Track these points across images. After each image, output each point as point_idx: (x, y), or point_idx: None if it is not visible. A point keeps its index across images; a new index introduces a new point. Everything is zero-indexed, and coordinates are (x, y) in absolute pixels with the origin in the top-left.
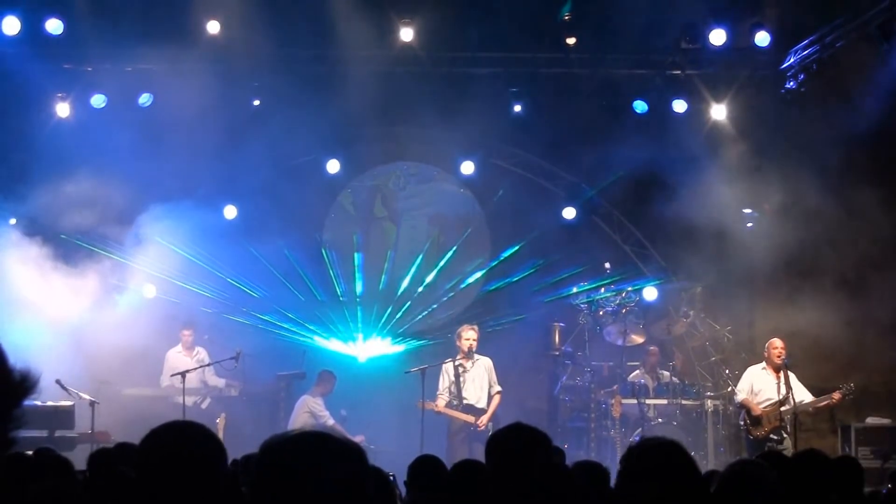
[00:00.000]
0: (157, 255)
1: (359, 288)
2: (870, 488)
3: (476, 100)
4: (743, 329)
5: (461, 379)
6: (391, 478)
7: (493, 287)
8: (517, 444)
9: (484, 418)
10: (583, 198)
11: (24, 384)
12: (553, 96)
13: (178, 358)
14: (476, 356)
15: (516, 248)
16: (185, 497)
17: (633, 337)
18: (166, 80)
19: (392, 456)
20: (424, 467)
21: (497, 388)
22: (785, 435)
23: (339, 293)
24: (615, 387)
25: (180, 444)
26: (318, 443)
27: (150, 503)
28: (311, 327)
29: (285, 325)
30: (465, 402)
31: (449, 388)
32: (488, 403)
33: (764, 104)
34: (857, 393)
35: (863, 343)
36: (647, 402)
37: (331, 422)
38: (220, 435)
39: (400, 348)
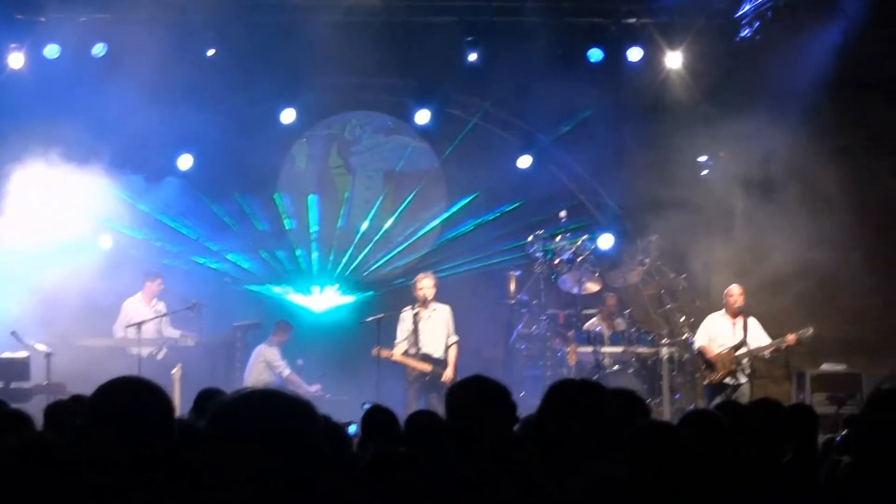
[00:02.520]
0: (112, 205)
1: (313, 229)
2: (827, 434)
3: (431, 49)
4: (699, 277)
5: (418, 328)
6: (351, 427)
7: (449, 236)
8: (477, 397)
9: (448, 373)
10: (538, 146)
11: None
12: (508, 45)
13: (137, 308)
14: (434, 305)
15: (472, 196)
16: (130, 452)
17: (589, 285)
18: (120, 30)
19: (348, 405)
20: (377, 418)
21: (454, 337)
22: (743, 379)
23: (291, 238)
24: (570, 333)
25: (127, 400)
26: (265, 402)
27: (96, 457)
28: (267, 277)
29: (240, 275)
30: (422, 351)
31: (407, 338)
32: (445, 353)
33: (719, 52)
34: (812, 339)
35: (817, 291)
36: (603, 349)
37: (287, 371)
38: (176, 386)
39: (356, 298)
